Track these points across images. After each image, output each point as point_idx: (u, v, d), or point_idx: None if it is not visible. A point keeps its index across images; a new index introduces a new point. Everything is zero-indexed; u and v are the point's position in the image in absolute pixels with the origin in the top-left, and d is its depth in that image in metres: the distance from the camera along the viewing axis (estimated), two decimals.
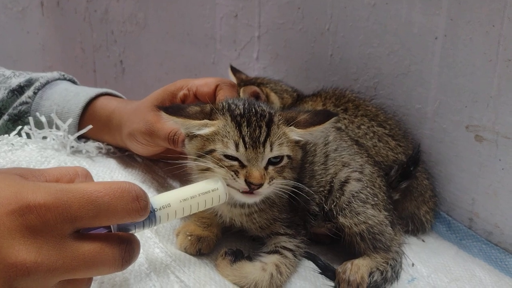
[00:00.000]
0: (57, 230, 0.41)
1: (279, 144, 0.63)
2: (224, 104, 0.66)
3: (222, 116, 0.64)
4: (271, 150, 0.62)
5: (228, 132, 0.62)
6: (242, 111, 0.64)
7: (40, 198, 0.40)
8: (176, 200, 0.52)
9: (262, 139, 0.62)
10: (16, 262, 0.38)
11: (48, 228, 0.40)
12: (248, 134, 0.61)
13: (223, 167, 0.61)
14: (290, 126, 0.65)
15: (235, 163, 0.61)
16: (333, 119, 0.66)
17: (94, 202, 0.42)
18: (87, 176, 0.49)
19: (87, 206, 0.41)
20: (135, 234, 0.48)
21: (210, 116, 0.65)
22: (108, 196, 0.42)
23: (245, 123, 0.62)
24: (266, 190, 0.63)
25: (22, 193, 0.40)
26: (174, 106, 0.69)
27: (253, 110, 0.64)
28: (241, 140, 0.61)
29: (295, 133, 0.65)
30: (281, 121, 0.65)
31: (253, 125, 0.62)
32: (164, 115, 0.64)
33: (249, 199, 0.63)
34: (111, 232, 0.46)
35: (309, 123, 0.65)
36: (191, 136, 0.65)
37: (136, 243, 0.46)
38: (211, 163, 0.62)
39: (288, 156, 0.64)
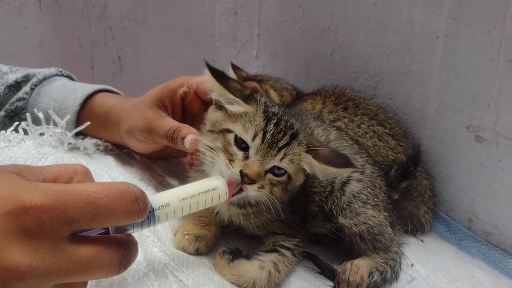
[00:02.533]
0: (53, 233, 0.39)
1: (290, 160, 0.62)
2: (262, 98, 0.67)
3: (256, 105, 0.64)
4: (281, 159, 0.62)
5: (255, 120, 0.62)
6: (276, 111, 0.65)
7: (37, 199, 0.38)
8: (175, 199, 0.50)
9: (280, 144, 0.61)
10: (10, 265, 0.37)
11: (44, 231, 0.39)
12: (271, 132, 0.61)
13: (225, 152, 0.61)
14: (309, 153, 0.63)
15: (240, 153, 0.61)
16: (350, 169, 0.65)
17: (92, 204, 0.40)
18: (87, 174, 0.48)
19: (85, 208, 0.40)
20: (133, 235, 0.47)
21: (245, 98, 0.65)
22: (107, 198, 0.41)
23: (274, 121, 0.62)
24: (252, 192, 0.62)
25: (19, 194, 0.39)
26: (220, 71, 0.68)
27: (285, 117, 0.64)
28: (261, 133, 0.61)
29: (309, 161, 0.64)
30: (303, 142, 0.64)
31: (280, 127, 0.62)
32: (207, 73, 0.65)
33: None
34: (109, 232, 0.45)
35: (326, 160, 0.63)
36: (219, 106, 0.66)
37: (135, 246, 0.45)
38: (218, 142, 0.62)
39: (289, 176, 0.64)
